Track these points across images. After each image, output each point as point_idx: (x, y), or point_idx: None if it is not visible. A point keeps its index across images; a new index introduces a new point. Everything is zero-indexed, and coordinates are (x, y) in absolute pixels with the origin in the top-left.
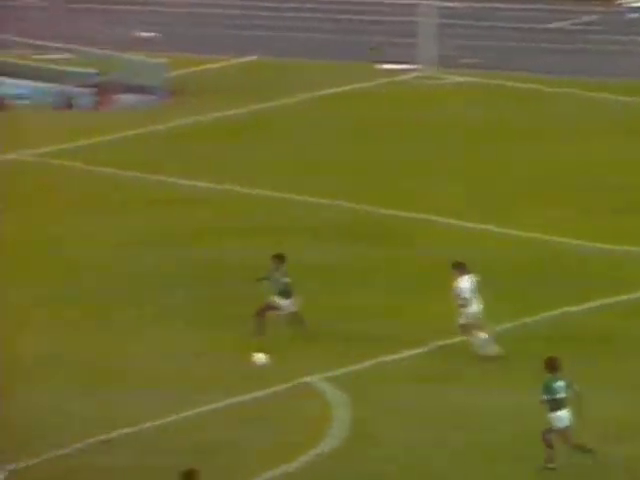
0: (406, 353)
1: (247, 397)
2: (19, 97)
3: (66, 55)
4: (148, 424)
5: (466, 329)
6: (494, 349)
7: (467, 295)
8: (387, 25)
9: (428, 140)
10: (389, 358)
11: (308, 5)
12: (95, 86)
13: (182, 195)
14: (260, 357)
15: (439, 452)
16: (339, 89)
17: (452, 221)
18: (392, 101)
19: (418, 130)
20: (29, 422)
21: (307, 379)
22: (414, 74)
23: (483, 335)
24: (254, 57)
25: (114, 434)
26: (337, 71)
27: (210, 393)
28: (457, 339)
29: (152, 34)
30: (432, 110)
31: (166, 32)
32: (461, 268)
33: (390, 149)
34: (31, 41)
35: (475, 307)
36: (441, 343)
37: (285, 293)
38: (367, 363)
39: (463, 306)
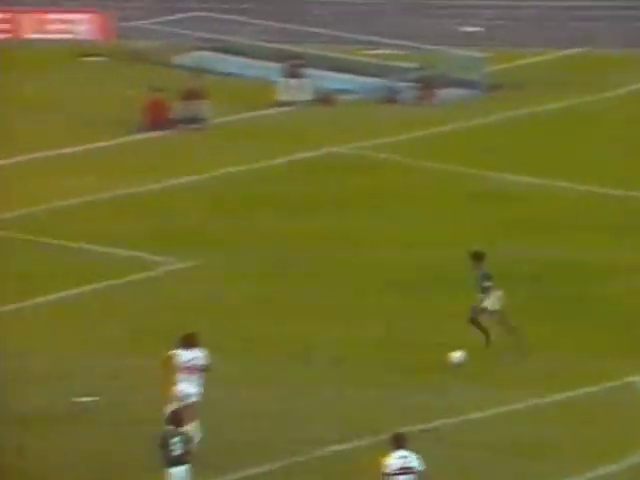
0: None
1: (568, 395)
2: (345, 92)
3: (391, 50)
4: (468, 416)
5: None
6: None
7: None
8: None
9: None
10: None
11: None
12: (417, 81)
13: (500, 190)
14: (457, 355)
15: None
16: None
17: None
18: None
19: None
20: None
21: (633, 379)
22: None
23: None
24: (578, 50)
25: (434, 424)
26: None
27: (532, 389)
28: None
29: (477, 28)
30: None
31: (491, 26)
32: None
33: None
34: (357, 36)
35: None
36: None
37: (484, 290)
38: None
39: None
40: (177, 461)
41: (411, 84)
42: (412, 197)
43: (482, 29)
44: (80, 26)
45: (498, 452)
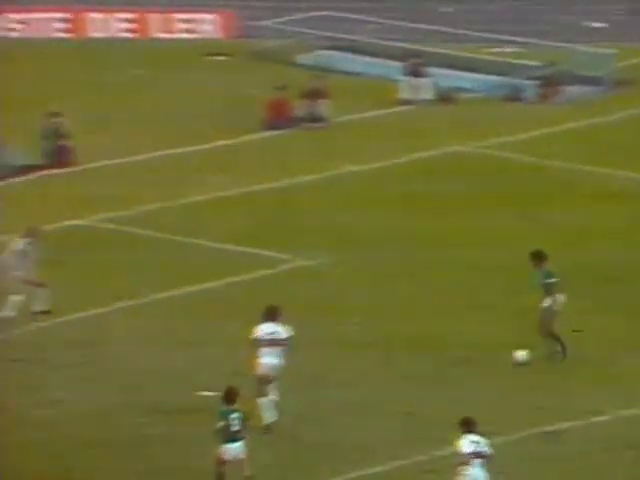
0: None
1: None
2: (469, 90)
3: (515, 48)
4: (598, 418)
5: None
6: None
7: None
8: None
9: None
10: None
11: None
12: (541, 78)
13: (625, 189)
14: (521, 354)
15: None
16: None
17: None
18: None
19: None
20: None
21: None
22: None
23: None
24: None
25: (562, 425)
26: None
27: None
28: None
29: (603, 24)
30: None
31: (617, 21)
32: None
33: None
34: (481, 34)
35: None
36: None
37: (546, 291)
38: None
39: None
40: (234, 437)
41: (535, 82)
42: (536, 196)
43: (607, 25)
44: (205, 25)
45: (621, 455)
